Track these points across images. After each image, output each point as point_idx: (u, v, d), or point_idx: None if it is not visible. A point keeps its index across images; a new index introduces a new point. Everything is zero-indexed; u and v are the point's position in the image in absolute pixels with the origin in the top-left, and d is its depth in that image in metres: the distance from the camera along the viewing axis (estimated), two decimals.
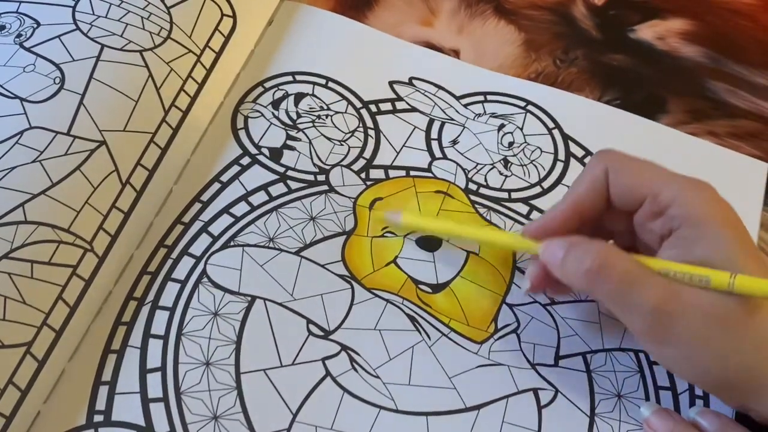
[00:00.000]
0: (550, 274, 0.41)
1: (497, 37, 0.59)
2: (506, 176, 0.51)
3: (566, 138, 0.53)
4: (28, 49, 0.47)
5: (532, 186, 0.51)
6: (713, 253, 0.38)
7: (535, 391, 0.44)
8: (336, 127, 0.51)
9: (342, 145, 0.51)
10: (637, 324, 0.39)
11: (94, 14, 0.49)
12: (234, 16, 0.53)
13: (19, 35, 0.47)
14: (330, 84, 0.53)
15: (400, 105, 0.53)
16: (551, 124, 0.53)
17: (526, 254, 0.47)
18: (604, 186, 0.41)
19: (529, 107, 0.54)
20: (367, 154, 0.51)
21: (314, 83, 0.53)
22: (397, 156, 0.51)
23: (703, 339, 0.37)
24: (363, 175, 0.50)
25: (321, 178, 0.49)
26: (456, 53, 0.57)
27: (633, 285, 0.38)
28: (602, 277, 0.38)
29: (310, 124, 0.51)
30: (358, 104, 0.53)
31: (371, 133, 0.52)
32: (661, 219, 0.40)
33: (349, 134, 0.51)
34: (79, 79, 0.46)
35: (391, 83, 0.54)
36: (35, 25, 0.47)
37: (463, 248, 0.47)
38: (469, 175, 0.50)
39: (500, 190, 0.50)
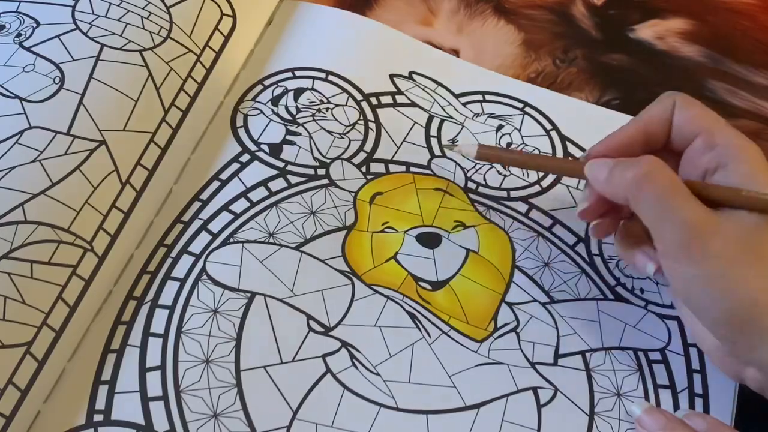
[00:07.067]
0: (601, 201, 0.43)
1: (497, 37, 0.59)
2: (505, 176, 0.51)
3: (564, 139, 0.53)
4: (27, 49, 0.47)
5: (531, 185, 0.51)
6: (759, 189, 0.39)
7: (535, 389, 0.44)
8: (336, 120, 0.51)
9: (342, 138, 0.51)
10: (672, 237, 0.39)
11: (93, 14, 0.49)
12: (234, 16, 0.53)
13: (18, 35, 0.47)
14: (330, 77, 0.53)
15: (400, 99, 0.53)
16: (549, 126, 0.53)
17: (525, 253, 0.48)
18: (670, 114, 0.43)
19: (527, 109, 0.54)
20: (368, 147, 0.51)
21: (314, 77, 0.53)
22: (397, 151, 0.51)
23: (730, 263, 0.38)
24: (363, 169, 0.50)
25: (321, 171, 0.49)
26: (456, 53, 0.57)
27: (676, 196, 0.39)
28: (647, 184, 0.40)
29: (310, 118, 0.51)
30: (359, 97, 0.53)
31: (372, 126, 0.52)
32: (711, 153, 0.41)
33: (350, 127, 0.51)
34: (79, 78, 0.46)
35: (391, 76, 0.54)
36: (35, 25, 0.48)
37: (463, 246, 0.48)
38: (468, 174, 0.51)
39: (499, 189, 0.50)
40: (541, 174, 0.51)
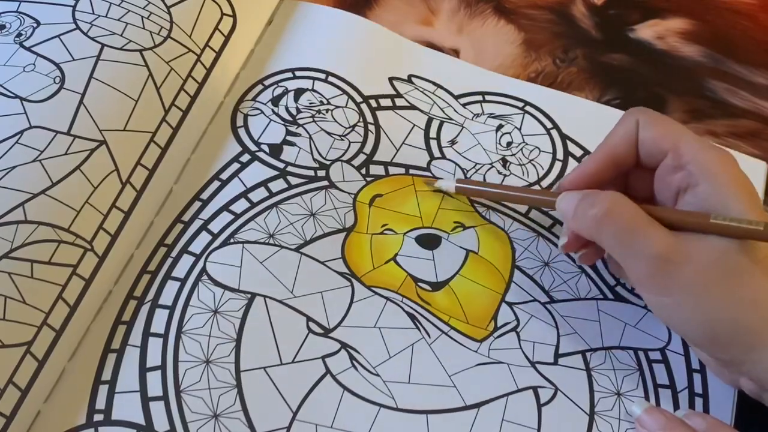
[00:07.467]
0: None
1: (497, 37, 0.59)
2: (505, 175, 0.51)
3: (564, 138, 0.53)
4: (28, 49, 0.47)
5: (531, 185, 0.51)
6: (728, 211, 0.39)
7: (535, 389, 0.44)
8: (336, 121, 0.51)
9: (342, 139, 0.51)
10: (639, 270, 0.40)
11: (94, 13, 0.49)
12: (234, 16, 0.53)
13: (19, 35, 0.47)
14: (330, 78, 0.53)
15: (399, 102, 0.53)
16: (549, 125, 0.53)
17: (525, 253, 0.48)
18: (635, 136, 0.42)
19: (527, 108, 0.54)
20: (368, 149, 0.51)
21: (314, 78, 0.53)
22: (396, 153, 0.51)
23: (703, 289, 0.38)
24: (363, 171, 0.50)
25: (321, 173, 0.49)
26: (456, 53, 0.57)
27: (638, 231, 0.39)
28: (609, 222, 0.40)
29: (310, 119, 0.51)
30: (359, 99, 0.53)
31: (371, 128, 0.52)
32: (681, 173, 0.41)
33: (350, 129, 0.51)
34: (79, 78, 0.46)
35: (390, 79, 0.54)
36: (35, 25, 0.48)
37: (463, 247, 0.48)
38: (468, 175, 0.50)
39: None
40: (541, 174, 0.51)
